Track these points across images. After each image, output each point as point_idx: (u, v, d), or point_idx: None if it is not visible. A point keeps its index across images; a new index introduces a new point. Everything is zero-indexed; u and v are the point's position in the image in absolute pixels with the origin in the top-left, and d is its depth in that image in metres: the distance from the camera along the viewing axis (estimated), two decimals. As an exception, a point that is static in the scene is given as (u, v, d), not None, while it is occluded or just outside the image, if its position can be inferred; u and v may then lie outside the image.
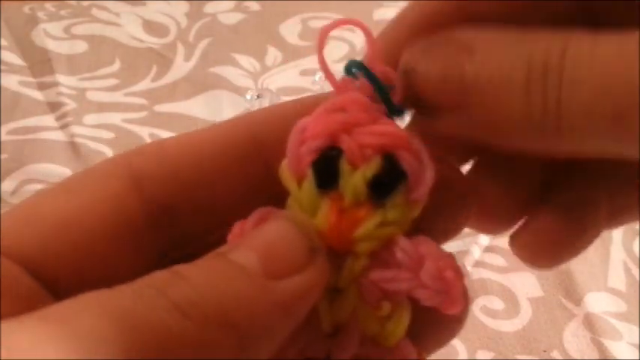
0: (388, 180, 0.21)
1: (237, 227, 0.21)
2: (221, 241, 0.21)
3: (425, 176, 0.21)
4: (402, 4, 0.72)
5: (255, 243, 0.20)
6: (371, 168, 0.21)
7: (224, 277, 0.19)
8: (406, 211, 0.21)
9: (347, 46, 0.76)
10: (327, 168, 0.21)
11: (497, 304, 0.54)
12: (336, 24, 0.23)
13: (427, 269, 0.21)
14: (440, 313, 0.21)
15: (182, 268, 0.19)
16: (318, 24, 0.78)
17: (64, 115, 0.67)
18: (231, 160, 0.22)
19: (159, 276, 0.19)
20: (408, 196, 0.21)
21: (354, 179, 0.21)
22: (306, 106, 0.22)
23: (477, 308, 0.54)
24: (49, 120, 0.67)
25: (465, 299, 0.21)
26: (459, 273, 0.21)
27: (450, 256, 0.21)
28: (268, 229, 0.20)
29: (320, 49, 0.23)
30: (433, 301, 0.21)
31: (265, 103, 0.57)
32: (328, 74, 0.22)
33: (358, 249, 0.21)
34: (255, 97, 0.57)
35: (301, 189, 0.21)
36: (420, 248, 0.21)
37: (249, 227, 0.21)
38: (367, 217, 0.21)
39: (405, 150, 0.21)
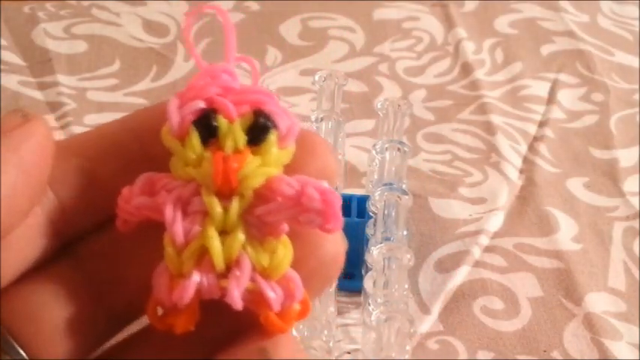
0: (261, 128, 0.24)
1: (125, 191, 0.24)
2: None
3: (291, 126, 0.24)
4: (402, 4, 0.72)
5: None
6: (246, 120, 0.24)
7: None
8: (280, 156, 0.24)
9: (347, 46, 0.76)
10: (207, 124, 0.24)
11: (497, 304, 0.55)
12: (197, 10, 0.28)
13: (308, 194, 0.24)
14: (317, 249, 0.25)
15: None
16: (318, 24, 0.78)
17: (64, 115, 0.67)
18: (117, 157, 0.25)
19: None
20: (280, 144, 0.24)
21: (233, 129, 0.24)
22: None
23: (476, 308, 0.54)
24: (49, 120, 0.67)
25: (339, 219, 0.24)
26: (337, 197, 0.24)
27: (326, 184, 0.24)
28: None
29: (187, 33, 0.26)
30: (316, 222, 0.24)
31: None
32: (194, 54, 0.27)
33: (243, 187, 0.24)
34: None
35: (185, 146, 0.24)
36: (299, 180, 0.24)
37: (137, 192, 0.24)
38: (247, 160, 0.24)
39: (271, 105, 0.24)
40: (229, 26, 0.27)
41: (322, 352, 0.44)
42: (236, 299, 0.23)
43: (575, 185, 0.64)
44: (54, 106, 0.68)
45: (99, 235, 0.26)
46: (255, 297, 0.24)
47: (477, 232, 0.59)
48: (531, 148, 0.66)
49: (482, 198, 0.62)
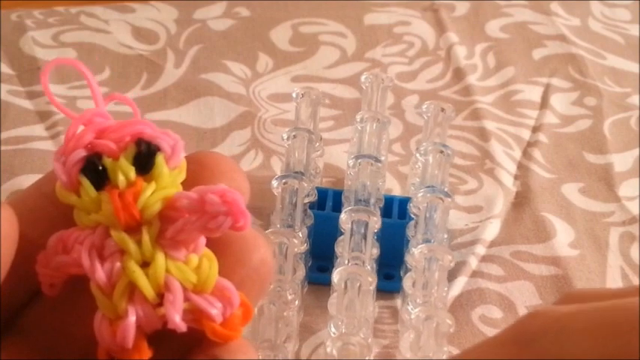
0: (146, 155, 0.25)
1: (41, 256, 0.25)
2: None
3: (175, 144, 0.25)
4: (393, 9, 0.72)
5: None
6: (129, 152, 0.25)
7: None
8: (173, 176, 0.25)
9: (338, 51, 0.76)
10: (94, 169, 0.24)
11: (495, 313, 0.54)
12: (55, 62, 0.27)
13: (209, 200, 0.24)
14: (241, 254, 0.25)
15: None
16: (308, 29, 0.78)
17: (54, 125, 0.67)
18: (39, 224, 0.26)
19: None
20: (169, 163, 0.25)
21: (120, 165, 0.24)
22: None
23: (475, 317, 0.54)
24: (39, 129, 0.67)
25: (245, 215, 0.24)
26: (237, 194, 0.24)
27: (223, 185, 0.25)
28: None
29: (44, 82, 0.26)
30: (225, 225, 0.24)
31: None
32: (59, 107, 0.27)
33: (146, 216, 0.24)
34: (301, 94, 0.57)
35: (81, 197, 0.25)
36: (197, 191, 0.24)
37: (52, 253, 0.25)
38: (142, 189, 0.24)
39: (151, 130, 0.25)
40: (92, 78, 0.27)
41: (361, 348, 0.44)
42: (178, 323, 0.24)
43: (571, 191, 0.63)
44: (43, 116, 0.68)
45: (35, 303, 0.26)
46: (195, 315, 0.24)
47: (474, 242, 0.58)
48: (525, 153, 0.66)
49: (477, 206, 0.61)
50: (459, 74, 0.73)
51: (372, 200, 0.52)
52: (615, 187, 0.64)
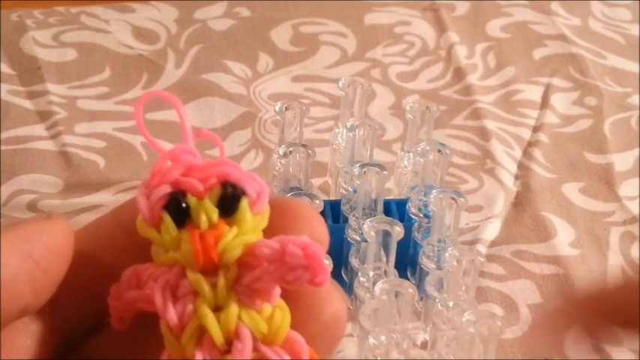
0: (231, 199, 0.24)
1: (114, 289, 0.25)
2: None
3: (260, 190, 0.24)
4: (393, 9, 0.72)
5: None
6: (214, 193, 0.24)
7: None
8: (255, 222, 0.24)
9: (339, 51, 0.76)
10: (177, 206, 0.24)
11: (496, 311, 0.54)
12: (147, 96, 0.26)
13: (290, 252, 0.23)
14: (316, 308, 0.25)
15: None
16: (309, 29, 0.78)
17: (54, 125, 0.67)
18: (111, 252, 0.25)
19: None
20: (252, 209, 0.24)
21: (204, 205, 0.24)
22: None
23: (476, 316, 0.54)
24: (39, 129, 0.67)
25: (325, 270, 0.23)
26: (319, 248, 0.24)
27: (305, 238, 0.24)
28: None
29: (138, 121, 0.26)
30: (303, 279, 0.23)
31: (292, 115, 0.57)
32: (152, 143, 0.26)
33: (225, 261, 0.24)
34: (284, 108, 0.56)
35: (161, 232, 0.24)
36: (278, 240, 0.24)
37: (125, 287, 0.24)
38: (224, 232, 0.24)
39: (237, 173, 0.24)
40: (184, 113, 0.26)
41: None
42: None
43: (571, 190, 0.63)
44: (44, 116, 0.68)
45: (101, 333, 0.26)
46: None
47: (475, 242, 0.58)
48: (526, 153, 0.66)
49: (478, 205, 0.61)
50: (459, 74, 0.73)
51: (379, 208, 0.52)
52: (616, 187, 0.64)
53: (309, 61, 0.75)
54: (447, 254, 0.48)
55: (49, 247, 0.24)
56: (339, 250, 0.53)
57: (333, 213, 0.55)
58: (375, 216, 0.51)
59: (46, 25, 0.77)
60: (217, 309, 0.24)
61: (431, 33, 0.78)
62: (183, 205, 0.24)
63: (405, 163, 0.58)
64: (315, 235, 0.25)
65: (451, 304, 0.48)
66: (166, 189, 0.24)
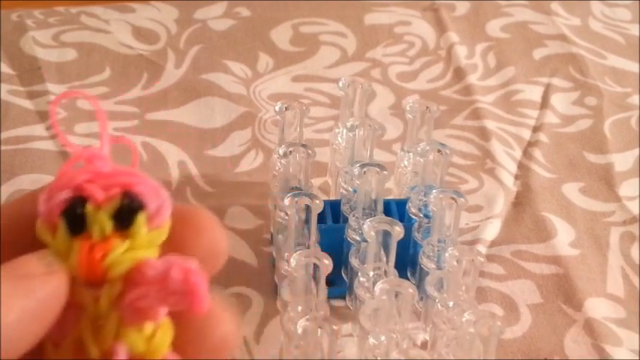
0: (128, 212, 0.24)
1: None
2: None
3: (161, 205, 0.24)
4: (393, 9, 0.72)
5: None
6: (112, 205, 0.24)
7: None
8: (151, 237, 0.24)
9: (339, 51, 0.76)
10: (74, 213, 0.24)
11: (497, 311, 0.54)
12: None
13: (172, 276, 0.23)
14: (206, 326, 0.25)
15: None
16: (309, 29, 0.78)
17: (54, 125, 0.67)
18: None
19: None
20: (150, 224, 0.24)
21: (98, 216, 0.24)
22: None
23: (476, 316, 0.54)
24: (39, 129, 0.66)
25: (205, 299, 0.23)
26: (201, 276, 0.23)
27: (193, 264, 0.24)
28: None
29: (53, 118, 0.25)
30: (183, 305, 0.23)
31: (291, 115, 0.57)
32: (65, 141, 0.25)
33: (110, 276, 0.24)
34: (284, 108, 0.56)
35: (55, 238, 0.24)
36: (167, 263, 0.24)
37: None
38: (114, 247, 0.24)
39: (141, 185, 0.24)
40: (102, 114, 0.26)
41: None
42: None
43: (571, 190, 0.63)
44: (44, 116, 0.68)
45: None
46: None
47: (474, 242, 0.58)
48: (526, 153, 0.66)
49: (478, 205, 0.61)
50: (459, 74, 0.73)
51: (379, 208, 0.52)
52: (616, 187, 0.64)
53: (309, 61, 0.75)
54: (447, 254, 0.48)
55: (50, 300, 0.23)
56: (339, 250, 0.53)
57: (333, 213, 0.55)
58: (375, 216, 0.51)
59: (46, 25, 0.77)
60: (98, 320, 0.24)
61: (431, 33, 0.78)
62: (81, 212, 0.24)
63: (405, 163, 0.58)
64: (214, 245, 0.25)
65: (451, 304, 0.48)
66: (67, 193, 0.24)
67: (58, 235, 0.24)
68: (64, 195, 0.24)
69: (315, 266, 0.47)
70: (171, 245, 0.25)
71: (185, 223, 0.25)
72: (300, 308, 0.48)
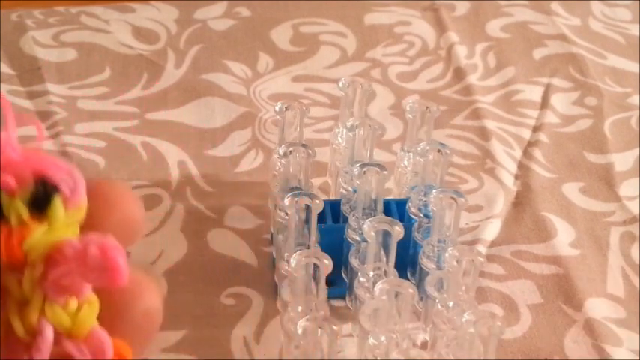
0: (43, 198, 0.25)
1: None
2: None
3: (75, 187, 0.25)
4: (393, 9, 0.72)
5: None
6: (26, 191, 0.25)
7: None
8: (68, 217, 0.25)
9: (339, 51, 0.76)
10: None
11: (497, 311, 0.54)
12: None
13: (90, 253, 0.24)
14: (130, 304, 0.26)
15: None
16: (309, 29, 0.78)
17: (54, 125, 0.67)
18: None
19: None
20: (67, 205, 0.25)
21: (14, 205, 0.24)
22: None
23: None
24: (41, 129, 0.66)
25: (121, 272, 0.24)
26: (118, 250, 0.24)
27: (111, 239, 0.25)
28: None
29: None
30: (103, 280, 0.24)
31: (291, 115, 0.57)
32: None
33: (30, 259, 0.24)
34: (284, 108, 0.56)
35: None
36: (85, 241, 0.24)
37: None
38: (32, 231, 0.24)
39: (54, 169, 0.25)
40: (5, 102, 0.26)
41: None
42: None
43: (571, 190, 0.63)
44: (44, 116, 0.67)
45: None
46: (67, 358, 0.25)
47: (474, 242, 0.58)
48: (526, 153, 0.66)
49: (478, 205, 0.61)
50: (459, 74, 0.73)
51: (379, 208, 0.52)
52: (616, 187, 0.64)
53: (309, 61, 0.75)
54: (447, 254, 0.48)
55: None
56: (339, 250, 0.53)
57: (333, 213, 0.55)
58: (375, 216, 0.51)
59: (46, 25, 0.77)
60: (24, 303, 0.25)
61: (431, 33, 0.78)
62: None
63: (405, 163, 0.58)
64: (128, 216, 0.26)
65: (451, 304, 0.48)
66: None
67: None
68: None
69: (315, 266, 0.47)
70: (88, 221, 0.26)
71: (99, 198, 0.26)
72: (300, 308, 0.48)
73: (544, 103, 0.71)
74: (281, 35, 0.77)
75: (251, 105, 0.69)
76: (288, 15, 0.79)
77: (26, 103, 0.69)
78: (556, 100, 0.71)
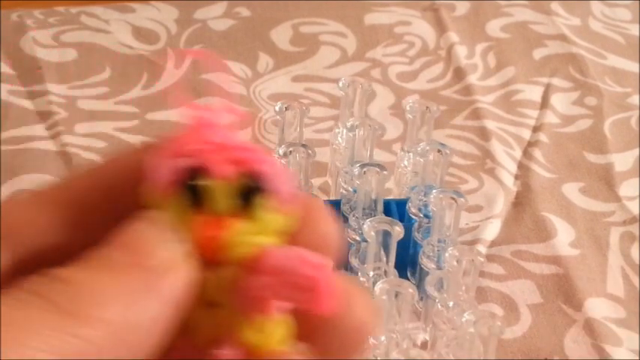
0: (252, 193, 0.22)
1: None
2: None
3: (288, 190, 0.22)
4: (393, 9, 0.72)
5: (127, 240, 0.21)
6: (236, 182, 0.21)
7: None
8: (274, 223, 0.22)
9: (339, 51, 0.76)
10: (194, 185, 0.21)
11: (496, 311, 0.54)
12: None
13: (297, 270, 0.21)
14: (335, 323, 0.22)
15: (59, 271, 0.20)
16: (309, 29, 0.78)
17: (54, 125, 0.67)
18: (82, 217, 0.23)
19: (37, 280, 0.19)
20: (275, 210, 0.22)
21: (221, 192, 0.21)
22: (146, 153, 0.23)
23: (476, 316, 0.54)
24: (39, 129, 0.66)
25: (333, 299, 0.21)
26: (327, 273, 0.21)
27: (320, 259, 0.22)
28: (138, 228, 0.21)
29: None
30: (307, 302, 0.21)
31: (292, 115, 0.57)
32: (188, 106, 0.22)
33: (230, 256, 0.21)
34: (284, 108, 0.56)
35: (169, 209, 0.21)
36: (289, 254, 0.21)
37: None
38: (236, 227, 0.21)
39: (266, 167, 0.22)
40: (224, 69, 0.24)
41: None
42: None
43: (571, 190, 0.63)
44: (44, 116, 0.68)
45: None
46: None
47: (474, 242, 0.58)
48: (526, 153, 0.66)
49: (478, 205, 0.61)
50: (459, 74, 0.73)
51: (379, 208, 0.52)
52: (616, 187, 0.64)
53: (309, 61, 0.75)
54: (447, 254, 0.48)
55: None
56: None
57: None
58: (375, 216, 0.51)
59: (46, 25, 0.77)
60: (210, 304, 0.22)
61: (431, 33, 0.78)
62: (202, 184, 0.21)
63: (405, 163, 0.58)
64: (323, 235, 0.23)
65: (451, 304, 0.48)
66: (188, 161, 0.21)
67: (172, 205, 0.21)
68: (183, 163, 0.21)
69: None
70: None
71: (304, 213, 0.23)
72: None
73: (544, 103, 0.71)
74: (281, 35, 0.77)
75: (251, 105, 0.69)
76: (288, 15, 0.79)
77: (26, 103, 0.69)
78: (556, 100, 0.71)
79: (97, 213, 0.23)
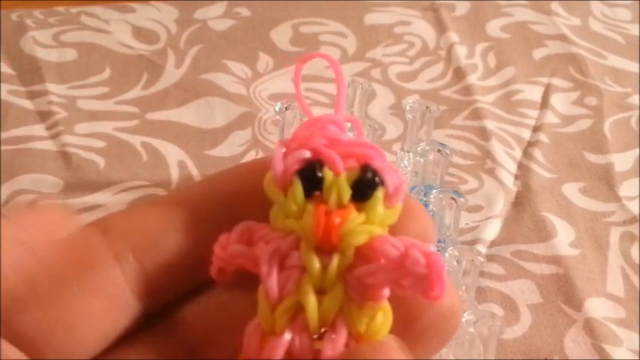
0: (368, 184, 0.23)
1: (223, 238, 0.23)
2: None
3: (399, 185, 0.23)
4: (393, 9, 0.72)
5: None
6: (352, 174, 0.23)
7: None
8: (384, 216, 0.23)
9: (339, 51, 0.76)
10: (311, 175, 0.23)
11: (496, 311, 0.54)
12: (308, 57, 0.26)
13: (412, 257, 0.22)
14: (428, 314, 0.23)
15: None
16: (309, 29, 0.78)
17: (54, 125, 0.67)
18: (201, 225, 0.24)
19: None
20: (386, 202, 0.23)
21: (339, 182, 0.23)
22: (263, 164, 0.24)
23: (476, 316, 0.54)
24: (39, 129, 0.66)
25: (444, 286, 0.22)
26: (441, 259, 0.22)
27: (433, 248, 0.23)
28: None
29: (297, 81, 0.26)
30: (419, 289, 0.22)
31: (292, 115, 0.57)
32: (302, 103, 0.25)
33: (344, 245, 0.22)
34: (284, 108, 0.56)
35: (287, 197, 0.23)
36: (403, 241, 0.22)
37: (234, 240, 0.23)
38: (351, 216, 0.22)
39: (379, 162, 0.23)
40: (341, 79, 0.25)
41: None
42: None
43: (571, 190, 0.63)
44: (44, 116, 0.68)
45: (189, 304, 0.25)
46: None
47: (474, 242, 0.58)
48: (526, 153, 0.66)
49: (478, 205, 0.61)
50: (459, 74, 0.73)
51: None
52: (616, 187, 0.64)
53: (309, 61, 0.74)
54: (447, 254, 0.48)
55: (46, 237, 0.23)
56: None
57: None
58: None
59: (46, 25, 0.77)
60: (320, 292, 0.22)
61: (431, 33, 0.78)
62: (319, 175, 0.23)
63: (405, 163, 0.58)
64: (426, 234, 0.24)
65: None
66: (306, 154, 0.23)
67: (291, 193, 0.23)
68: (301, 155, 0.23)
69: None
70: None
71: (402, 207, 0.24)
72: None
73: (544, 103, 0.71)
74: (281, 35, 0.77)
75: (251, 105, 0.69)
76: (288, 15, 0.79)
77: (26, 103, 0.69)
78: (556, 100, 0.71)
79: (212, 221, 0.24)
